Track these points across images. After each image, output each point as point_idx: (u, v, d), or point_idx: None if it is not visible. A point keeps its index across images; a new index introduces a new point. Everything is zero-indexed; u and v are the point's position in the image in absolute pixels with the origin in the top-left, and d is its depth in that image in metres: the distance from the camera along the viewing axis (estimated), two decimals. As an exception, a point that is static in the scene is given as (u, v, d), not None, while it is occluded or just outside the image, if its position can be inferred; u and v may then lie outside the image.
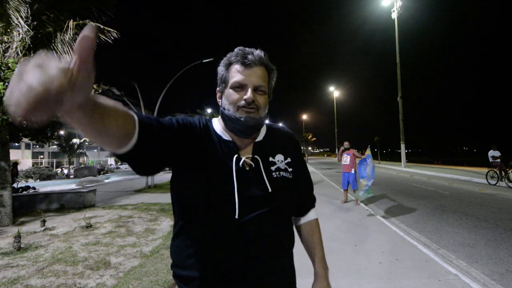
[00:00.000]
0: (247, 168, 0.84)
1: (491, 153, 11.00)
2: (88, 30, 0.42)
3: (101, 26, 6.27)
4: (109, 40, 6.39)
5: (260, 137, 0.92)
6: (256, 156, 0.87)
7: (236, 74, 0.83)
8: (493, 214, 5.87)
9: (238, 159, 0.83)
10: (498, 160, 10.64)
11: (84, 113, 0.47)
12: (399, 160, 24.45)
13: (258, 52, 0.84)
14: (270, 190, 0.83)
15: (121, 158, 0.66)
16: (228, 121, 0.85)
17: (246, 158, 0.85)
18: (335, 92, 48.15)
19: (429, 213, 6.10)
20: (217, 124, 0.91)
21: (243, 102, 0.81)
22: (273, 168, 0.88)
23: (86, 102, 0.46)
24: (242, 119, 0.81)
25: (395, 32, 22.56)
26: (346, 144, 7.16)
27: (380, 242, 4.15)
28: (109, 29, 6.32)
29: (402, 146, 22.21)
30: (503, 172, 10.20)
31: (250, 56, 0.82)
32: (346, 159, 7.06)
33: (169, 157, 0.78)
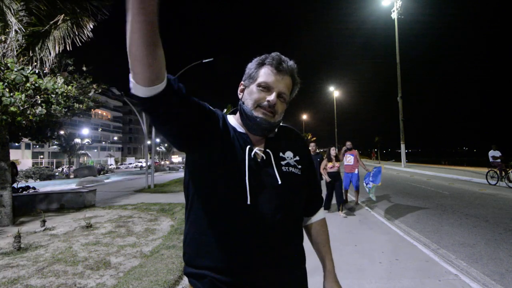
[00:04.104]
0: (259, 160, 0.88)
1: (491, 153, 11.00)
2: None
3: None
4: (105, 16, 6.30)
5: (272, 134, 0.95)
6: (267, 150, 0.90)
7: (266, 75, 0.87)
8: (493, 214, 5.87)
9: (251, 149, 0.87)
10: (498, 160, 10.64)
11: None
12: (399, 160, 24.48)
13: (291, 63, 0.89)
14: (279, 182, 0.86)
15: (149, 102, 0.69)
16: (244, 116, 0.89)
17: (258, 150, 0.89)
18: (335, 92, 48.13)
19: (429, 213, 6.10)
20: (232, 119, 0.95)
21: (265, 103, 0.85)
22: (283, 163, 0.91)
23: None
24: (257, 119, 0.85)
25: (395, 32, 22.58)
26: (348, 144, 7.05)
27: (380, 242, 4.15)
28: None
29: (402, 146, 22.21)
30: (503, 172, 10.20)
31: (284, 64, 0.87)
32: (350, 159, 6.94)
33: (193, 128, 0.81)
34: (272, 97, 0.85)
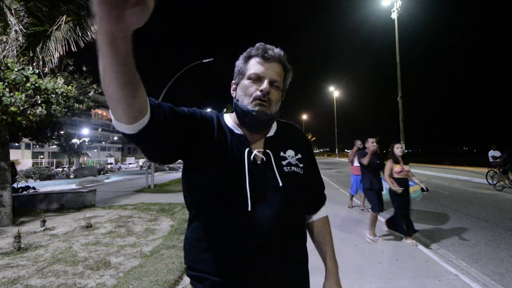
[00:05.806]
0: (259, 162, 0.85)
1: (491, 153, 11.00)
2: None
3: None
4: None
5: (271, 133, 0.93)
6: (267, 151, 0.87)
7: (254, 66, 0.86)
8: (493, 214, 5.87)
9: (250, 152, 0.84)
10: (498, 160, 10.63)
11: (127, 49, 0.51)
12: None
13: (278, 50, 0.87)
14: (280, 184, 0.83)
15: (134, 138, 0.67)
16: (240, 114, 0.86)
17: (258, 152, 0.86)
18: (335, 92, 48.13)
19: (429, 213, 6.10)
20: (229, 119, 0.92)
21: (258, 93, 0.83)
22: (284, 162, 0.89)
23: (128, 37, 0.50)
24: (254, 113, 0.82)
25: (395, 32, 22.57)
26: (359, 143, 6.19)
27: (380, 242, 4.14)
28: None
29: (402, 146, 22.19)
30: (503, 172, 10.19)
31: (270, 52, 0.86)
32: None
33: (181, 144, 0.79)
34: (264, 85, 0.83)
